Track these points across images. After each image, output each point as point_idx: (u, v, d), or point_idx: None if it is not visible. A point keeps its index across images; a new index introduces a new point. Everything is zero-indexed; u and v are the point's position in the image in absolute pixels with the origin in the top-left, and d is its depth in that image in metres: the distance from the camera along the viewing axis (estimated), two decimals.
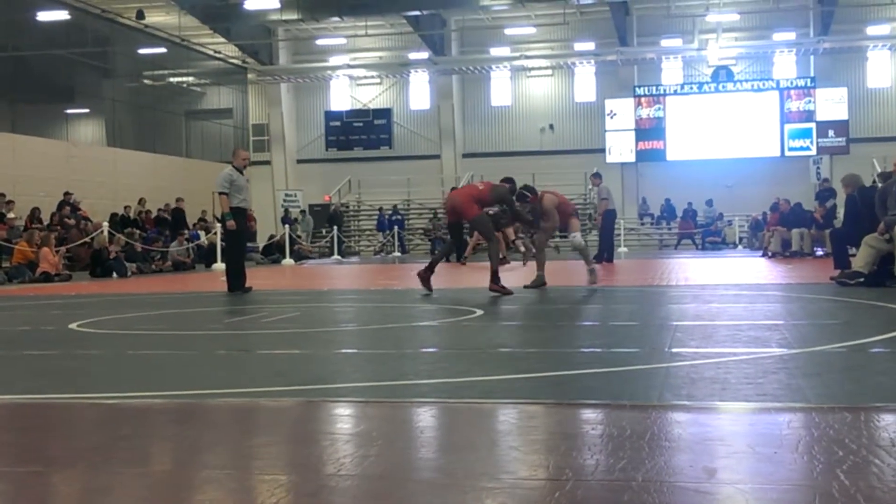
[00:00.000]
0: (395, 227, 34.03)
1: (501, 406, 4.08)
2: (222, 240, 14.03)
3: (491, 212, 12.00)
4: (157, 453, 3.49)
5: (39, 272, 17.96)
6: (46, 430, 3.88)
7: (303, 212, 35.42)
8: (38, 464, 3.27)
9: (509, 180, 11.83)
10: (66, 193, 24.53)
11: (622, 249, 30.84)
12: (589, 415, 3.91)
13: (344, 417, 4.10)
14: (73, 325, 8.28)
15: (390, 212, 35.85)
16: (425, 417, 4.04)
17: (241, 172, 12.78)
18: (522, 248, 20.99)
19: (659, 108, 36.86)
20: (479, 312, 8.72)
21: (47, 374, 5.52)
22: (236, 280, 12.65)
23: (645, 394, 4.26)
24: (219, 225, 20.38)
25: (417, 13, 34.71)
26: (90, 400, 4.49)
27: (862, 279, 10.86)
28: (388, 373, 5.22)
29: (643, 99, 36.94)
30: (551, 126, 39.07)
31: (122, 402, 4.40)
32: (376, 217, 36.13)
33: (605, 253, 20.39)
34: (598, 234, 21.45)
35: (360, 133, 39.39)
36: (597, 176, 21.21)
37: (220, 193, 12.65)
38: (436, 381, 4.76)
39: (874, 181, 13.98)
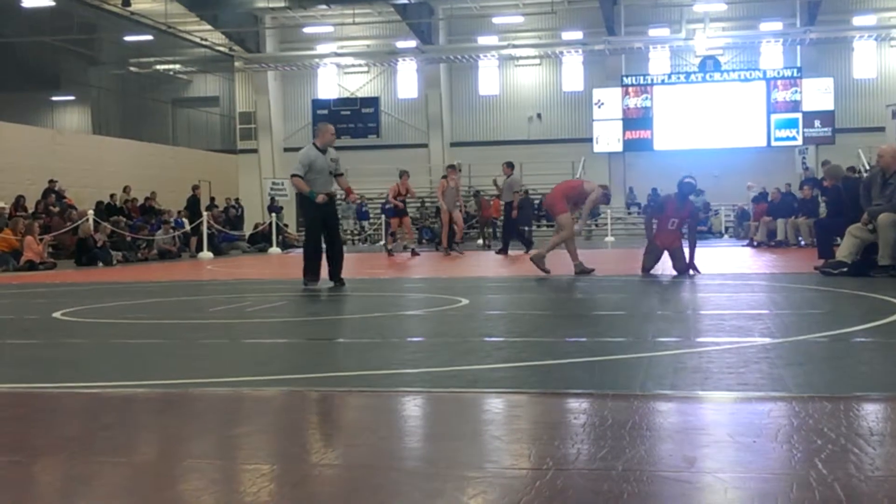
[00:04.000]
0: (384, 216, 33.93)
1: (485, 395, 4.10)
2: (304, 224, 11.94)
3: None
4: (140, 443, 3.49)
5: (24, 261, 17.88)
6: (29, 420, 3.87)
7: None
8: (20, 453, 3.27)
9: None
10: (51, 181, 24.41)
11: (609, 239, 30.89)
12: (572, 404, 3.92)
13: (328, 407, 4.11)
14: (56, 314, 8.26)
15: (383, 200, 35.71)
16: (409, 407, 4.04)
17: (324, 152, 11.05)
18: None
19: (646, 98, 36.91)
20: (465, 301, 8.74)
21: (30, 364, 5.50)
22: (311, 264, 11.18)
23: (628, 383, 4.28)
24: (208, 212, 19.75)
25: (405, 1, 34.65)
26: (73, 389, 4.49)
27: (845, 269, 10.91)
28: (372, 362, 5.22)
29: (631, 88, 36.99)
30: (539, 115, 39.10)
31: (105, 392, 4.40)
32: (364, 205, 36.07)
33: (504, 245, 20.35)
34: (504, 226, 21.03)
35: (348, 122, 39.33)
36: (509, 165, 20.65)
37: (294, 176, 11.01)
38: (420, 371, 4.77)
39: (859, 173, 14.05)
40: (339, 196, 12.27)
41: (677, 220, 12.27)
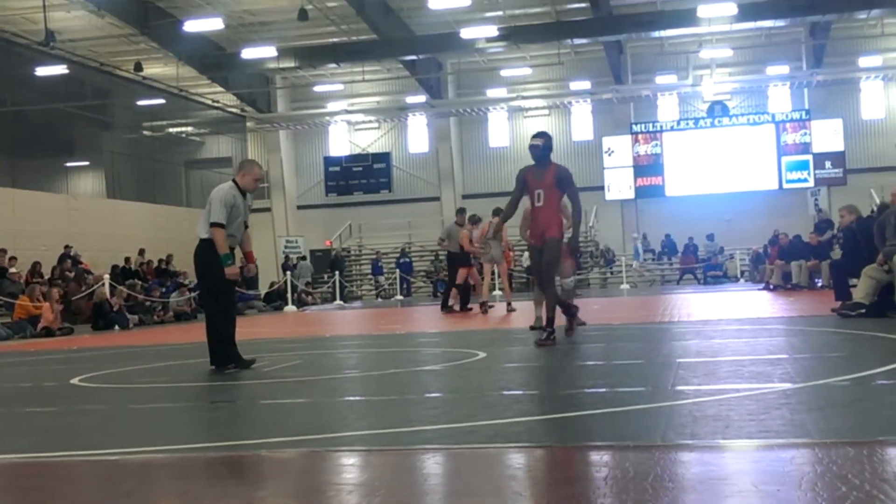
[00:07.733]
0: (398, 271, 34.06)
1: (506, 450, 4.07)
2: (202, 294, 9.45)
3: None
4: None
5: (40, 327, 17.95)
6: (49, 490, 3.86)
7: (302, 258, 35.19)
8: None
9: None
10: (67, 246, 24.58)
11: (624, 286, 30.82)
12: (593, 457, 3.90)
13: (348, 467, 4.09)
14: (74, 380, 8.26)
15: (398, 255, 35.91)
16: (429, 464, 4.02)
17: (245, 196, 8.79)
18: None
19: (656, 145, 37.03)
20: (482, 355, 8.71)
21: (49, 431, 5.50)
22: (220, 348, 8.69)
23: (648, 434, 4.25)
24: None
25: (414, 58, 35.01)
26: (92, 457, 4.48)
27: (863, 310, 10.85)
28: (391, 420, 5.21)
29: (640, 136, 37.12)
30: None
31: (123, 458, 4.39)
32: (380, 261, 36.23)
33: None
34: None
35: (360, 177, 39.56)
36: (461, 212, 18.74)
37: (215, 225, 8.51)
38: (439, 427, 4.75)
39: (872, 211, 14.01)
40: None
41: (543, 192, 9.64)
